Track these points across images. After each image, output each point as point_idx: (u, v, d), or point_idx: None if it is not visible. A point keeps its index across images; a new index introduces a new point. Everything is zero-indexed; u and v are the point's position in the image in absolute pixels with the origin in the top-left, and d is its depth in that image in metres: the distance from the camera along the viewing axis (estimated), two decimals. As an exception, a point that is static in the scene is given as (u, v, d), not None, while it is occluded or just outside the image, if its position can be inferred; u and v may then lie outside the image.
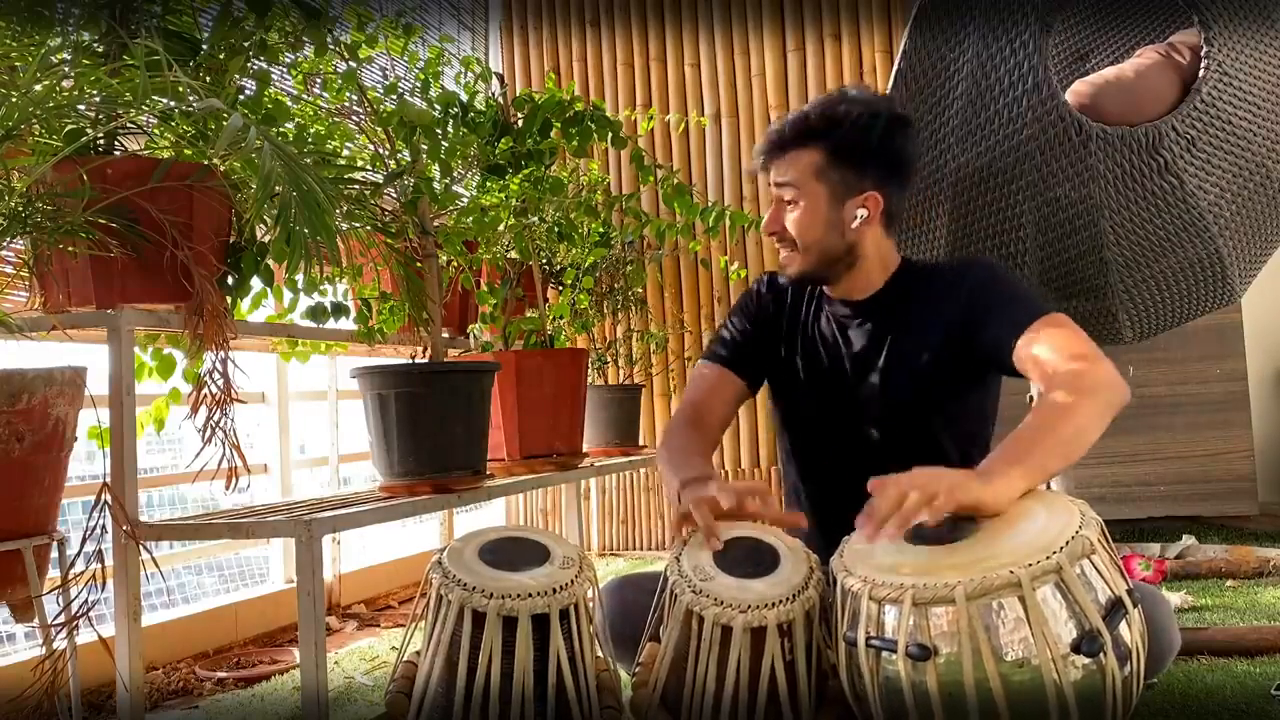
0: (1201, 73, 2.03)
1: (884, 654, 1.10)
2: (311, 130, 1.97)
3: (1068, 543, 1.08)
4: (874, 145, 1.55)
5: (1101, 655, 1.05)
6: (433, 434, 1.89)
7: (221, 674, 2.19)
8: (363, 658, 2.32)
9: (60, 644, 1.47)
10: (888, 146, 1.57)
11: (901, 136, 1.60)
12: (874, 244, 1.60)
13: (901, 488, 1.17)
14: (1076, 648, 1.04)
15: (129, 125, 1.66)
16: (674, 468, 1.51)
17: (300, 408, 2.95)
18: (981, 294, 1.53)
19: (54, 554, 1.57)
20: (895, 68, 2.22)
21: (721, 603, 1.21)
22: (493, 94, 2.36)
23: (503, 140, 2.20)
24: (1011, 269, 2.21)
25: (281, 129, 1.82)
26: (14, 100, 1.44)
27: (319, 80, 2.02)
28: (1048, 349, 1.40)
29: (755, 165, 1.64)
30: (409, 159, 1.96)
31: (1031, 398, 2.23)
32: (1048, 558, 1.06)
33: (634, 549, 3.86)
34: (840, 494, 1.41)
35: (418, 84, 2.13)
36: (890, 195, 1.58)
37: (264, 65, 1.75)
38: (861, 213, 1.56)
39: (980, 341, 1.50)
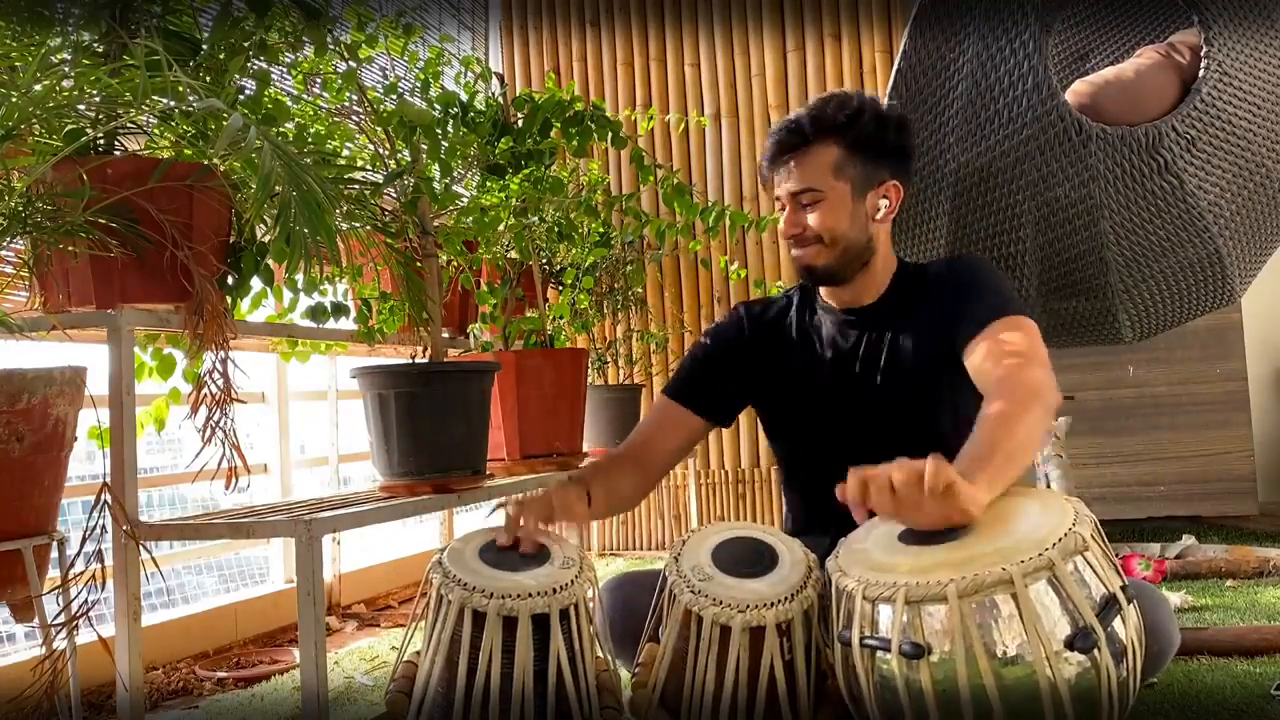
0: (1201, 73, 2.03)
1: (878, 653, 1.10)
2: (311, 130, 1.97)
3: (1060, 539, 1.08)
4: (890, 136, 1.57)
5: (1096, 651, 1.05)
6: (433, 434, 1.89)
7: (221, 674, 2.19)
8: (363, 658, 2.32)
9: (60, 644, 1.47)
10: (900, 137, 1.60)
11: (908, 130, 1.63)
12: (885, 242, 1.62)
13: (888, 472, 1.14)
14: (1070, 644, 1.04)
15: (129, 125, 1.66)
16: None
17: (300, 408, 2.95)
18: (961, 289, 1.55)
19: (54, 554, 1.57)
20: (895, 68, 2.22)
21: (720, 602, 1.21)
22: (493, 94, 2.36)
23: (503, 140, 2.20)
24: (1011, 269, 2.21)
25: (281, 129, 1.82)
26: (14, 100, 1.44)
27: (319, 80, 2.02)
28: (991, 353, 1.41)
29: (763, 172, 1.62)
30: (409, 159, 1.96)
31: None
32: (1040, 554, 1.06)
33: (634, 549, 3.86)
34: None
35: (418, 84, 2.13)
36: (906, 186, 1.61)
37: (264, 65, 1.75)
38: (884, 203, 1.58)
39: (951, 336, 1.52)
